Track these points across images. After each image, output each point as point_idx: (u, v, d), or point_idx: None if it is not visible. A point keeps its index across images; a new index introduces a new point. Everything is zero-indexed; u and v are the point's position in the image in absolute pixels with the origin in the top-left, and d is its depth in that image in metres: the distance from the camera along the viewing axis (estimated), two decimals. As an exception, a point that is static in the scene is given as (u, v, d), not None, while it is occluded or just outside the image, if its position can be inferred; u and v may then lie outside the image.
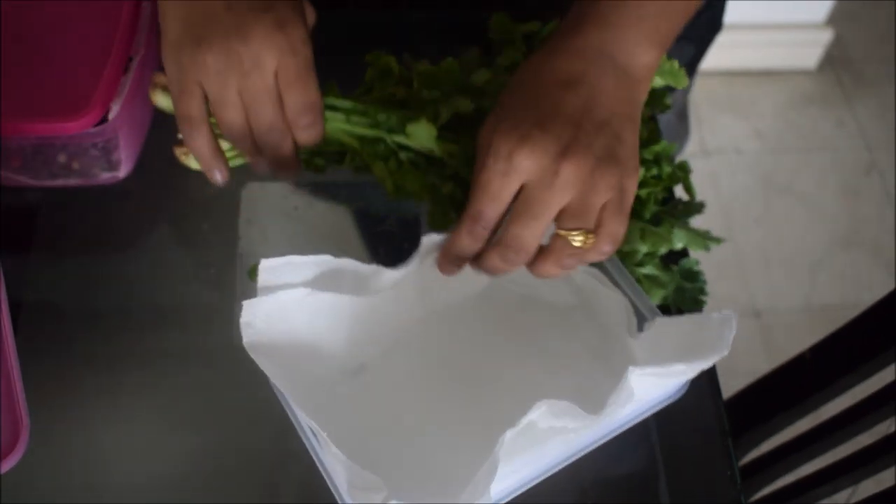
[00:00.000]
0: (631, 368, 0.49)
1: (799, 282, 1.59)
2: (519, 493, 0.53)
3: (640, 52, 0.53)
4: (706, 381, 0.61)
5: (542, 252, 0.52)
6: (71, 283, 0.63)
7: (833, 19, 1.78)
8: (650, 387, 0.52)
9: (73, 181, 0.65)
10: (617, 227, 0.52)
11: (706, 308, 0.63)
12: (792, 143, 1.76)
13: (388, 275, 0.56)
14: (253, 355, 0.53)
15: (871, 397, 0.72)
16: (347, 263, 0.56)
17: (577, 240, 0.51)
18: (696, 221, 0.63)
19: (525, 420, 0.47)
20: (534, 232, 0.51)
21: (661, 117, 0.71)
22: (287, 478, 0.56)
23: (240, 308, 0.52)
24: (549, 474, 0.54)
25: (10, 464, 0.52)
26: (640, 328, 0.57)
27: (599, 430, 0.54)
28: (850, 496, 0.82)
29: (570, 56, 0.53)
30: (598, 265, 0.58)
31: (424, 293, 0.60)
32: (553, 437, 0.50)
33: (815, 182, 1.71)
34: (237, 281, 0.62)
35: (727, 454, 0.59)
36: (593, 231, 0.52)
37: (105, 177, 0.65)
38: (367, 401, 0.59)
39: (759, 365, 1.37)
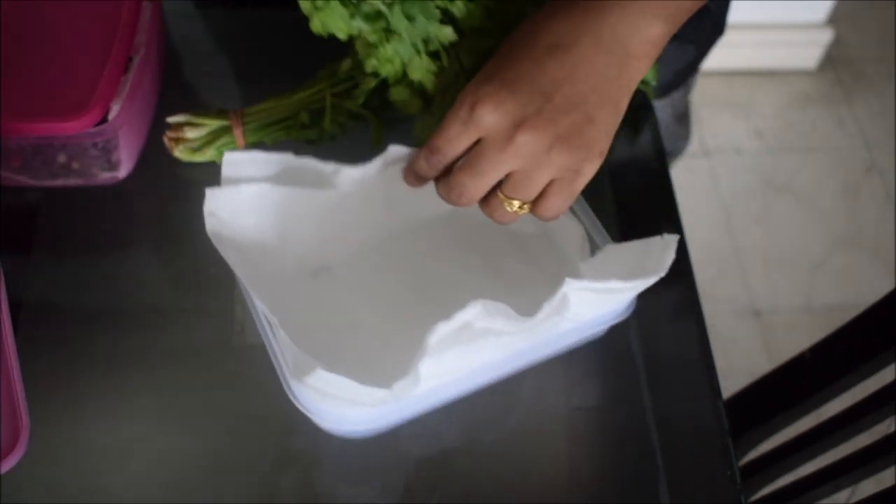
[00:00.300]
0: (567, 280, 0.50)
1: (799, 282, 1.59)
2: (452, 394, 0.54)
3: (643, 25, 0.51)
4: (706, 381, 0.61)
5: (482, 200, 0.53)
6: (71, 283, 0.63)
7: (833, 19, 1.78)
8: (589, 303, 0.53)
9: (73, 181, 0.65)
10: (559, 204, 0.53)
11: (706, 303, 0.64)
12: (792, 143, 1.76)
13: (349, 172, 0.57)
14: (216, 244, 0.54)
15: (871, 397, 0.72)
16: (308, 161, 0.57)
17: (513, 206, 0.52)
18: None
19: (460, 316, 0.48)
20: (476, 185, 0.52)
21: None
22: (287, 478, 0.56)
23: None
24: (484, 380, 0.55)
25: (10, 464, 0.52)
26: (593, 255, 0.59)
27: (536, 340, 0.55)
28: (850, 496, 0.82)
29: (568, 19, 0.52)
30: None
31: (391, 203, 0.61)
32: (487, 337, 0.51)
33: (815, 182, 1.71)
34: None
35: (727, 454, 0.59)
36: (531, 202, 0.52)
37: (105, 177, 0.65)
38: (326, 300, 0.61)
39: (759, 365, 1.37)
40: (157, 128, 0.67)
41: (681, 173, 1.67)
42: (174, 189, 0.67)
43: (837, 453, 0.75)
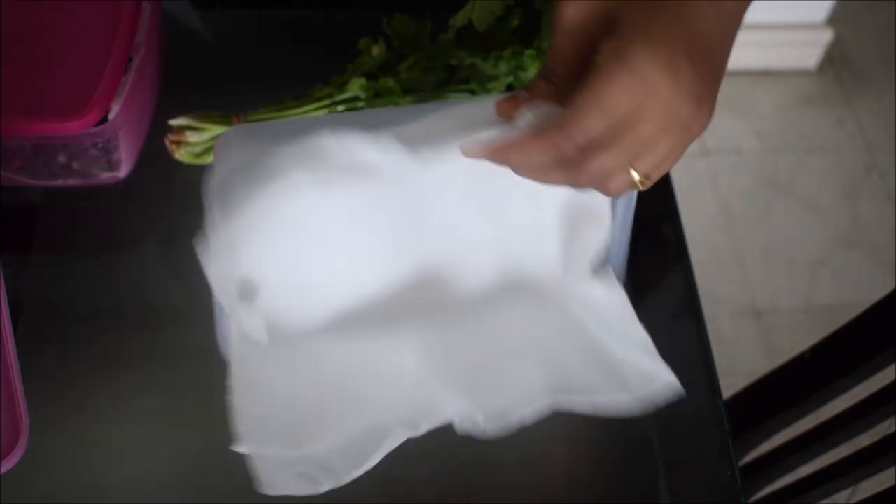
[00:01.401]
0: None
1: (799, 282, 1.59)
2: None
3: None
4: (706, 381, 0.61)
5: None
6: (71, 283, 0.63)
7: (833, 19, 1.78)
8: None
9: (73, 181, 0.65)
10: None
11: (706, 303, 0.63)
12: (792, 143, 1.76)
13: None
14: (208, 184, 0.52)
15: (871, 397, 0.72)
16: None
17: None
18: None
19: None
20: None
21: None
22: (287, 478, 0.56)
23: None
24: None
25: (10, 464, 0.52)
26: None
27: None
28: (850, 496, 0.82)
29: None
30: None
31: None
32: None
33: (815, 182, 1.71)
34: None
35: (727, 454, 0.59)
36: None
37: (105, 177, 0.65)
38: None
39: (759, 365, 1.37)
40: (157, 128, 0.67)
41: (681, 173, 1.67)
42: (174, 189, 0.67)
43: (837, 453, 0.75)
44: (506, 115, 0.49)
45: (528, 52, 0.63)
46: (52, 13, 0.64)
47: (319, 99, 0.63)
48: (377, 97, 0.63)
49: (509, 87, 0.64)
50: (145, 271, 0.64)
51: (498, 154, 0.48)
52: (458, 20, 0.59)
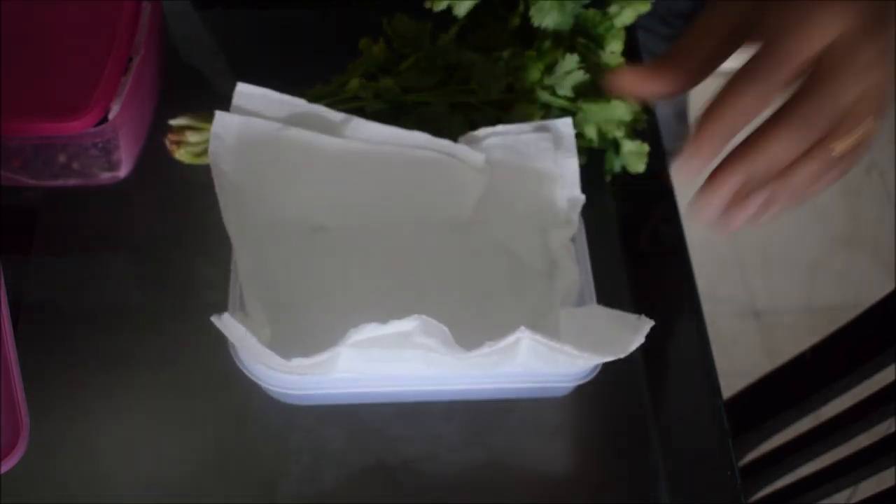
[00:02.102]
0: (522, 328, 0.48)
1: (799, 282, 1.59)
2: (363, 389, 0.54)
3: None
4: (706, 381, 0.61)
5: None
6: (71, 283, 0.63)
7: (833, 19, 1.78)
8: (541, 357, 0.51)
9: (73, 181, 0.65)
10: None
11: (706, 303, 0.63)
12: (792, 143, 1.76)
13: (360, 122, 0.58)
14: (213, 169, 0.55)
15: (872, 397, 0.72)
16: (319, 108, 0.58)
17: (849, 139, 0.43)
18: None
19: (395, 325, 0.47)
20: (825, 110, 0.43)
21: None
22: (287, 478, 0.56)
23: None
24: (404, 388, 0.55)
25: (10, 464, 0.52)
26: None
27: (469, 375, 0.53)
28: (850, 496, 0.82)
29: None
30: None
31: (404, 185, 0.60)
32: (417, 351, 0.50)
33: (815, 182, 1.71)
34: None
35: (727, 454, 0.59)
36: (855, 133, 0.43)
37: (105, 177, 0.66)
38: (310, 261, 0.60)
39: (759, 365, 1.37)
40: (157, 128, 0.67)
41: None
42: (174, 189, 0.67)
43: (837, 453, 0.75)
44: (630, 87, 0.50)
45: (528, 52, 0.63)
46: (52, 13, 0.64)
47: (319, 99, 0.63)
48: (377, 97, 0.63)
49: (509, 87, 0.64)
50: (145, 271, 0.64)
51: (722, 100, 0.45)
52: None
